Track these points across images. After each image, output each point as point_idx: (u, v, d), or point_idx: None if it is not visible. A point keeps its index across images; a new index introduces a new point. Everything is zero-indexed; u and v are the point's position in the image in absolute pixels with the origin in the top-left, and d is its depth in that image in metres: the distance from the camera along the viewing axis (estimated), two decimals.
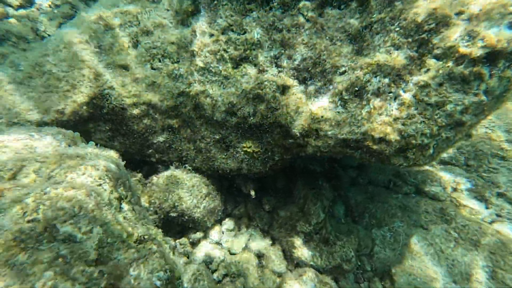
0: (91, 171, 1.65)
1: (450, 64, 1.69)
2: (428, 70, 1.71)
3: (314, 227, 2.94)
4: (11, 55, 2.40)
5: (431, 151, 1.77)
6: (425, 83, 1.71)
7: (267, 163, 2.98)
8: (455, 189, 3.16)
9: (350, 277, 2.83)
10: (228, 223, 3.60)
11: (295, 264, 2.99)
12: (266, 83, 2.55)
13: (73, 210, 1.28)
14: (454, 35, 1.62)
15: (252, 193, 3.32)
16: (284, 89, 2.50)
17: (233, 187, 3.82)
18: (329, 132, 2.19)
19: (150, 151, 3.26)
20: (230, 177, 3.68)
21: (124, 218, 1.63)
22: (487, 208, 2.97)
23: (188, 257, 3.14)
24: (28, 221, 1.24)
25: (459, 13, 1.76)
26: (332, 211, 3.47)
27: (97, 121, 2.90)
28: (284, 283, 2.67)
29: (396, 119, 1.80)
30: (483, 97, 1.64)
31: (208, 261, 3.03)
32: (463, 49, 1.59)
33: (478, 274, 2.38)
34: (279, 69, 2.52)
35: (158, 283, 1.24)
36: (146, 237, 1.58)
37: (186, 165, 3.29)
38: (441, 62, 1.73)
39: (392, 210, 3.06)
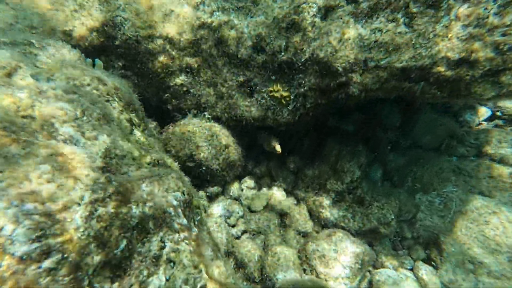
0: (98, 84, 1.35)
1: None
2: None
3: (348, 186, 2.58)
4: None
5: None
6: None
7: (297, 111, 2.59)
8: None
9: (387, 243, 2.49)
10: (249, 182, 3.33)
11: (322, 225, 2.69)
12: (304, 5, 2.08)
13: (75, 113, 0.99)
14: None
15: (278, 147, 2.96)
16: (327, 11, 2.04)
17: (254, 145, 3.50)
18: (383, 61, 1.74)
19: (166, 95, 2.96)
20: (252, 132, 3.35)
21: (136, 141, 1.35)
22: None
23: (205, 211, 2.92)
24: (23, 117, 0.97)
25: None
26: (368, 175, 3.07)
27: (109, 55, 2.60)
28: (310, 242, 2.38)
29: (492, 28, 1.32)
30: None
31: (226, 216, 2.79)
32: None
33: None
34: None
35: (175, 202, 0.95)
36: (161, 162, 1.29)
37: (205, 113, 2.97)
38: None
39: (444, 174, 2.61)
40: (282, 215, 2.88)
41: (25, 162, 0.84)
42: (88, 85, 1.33)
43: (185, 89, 2.89)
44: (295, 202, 3.02)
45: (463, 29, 1.40)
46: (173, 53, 2.69)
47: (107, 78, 1.52)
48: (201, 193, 3.01)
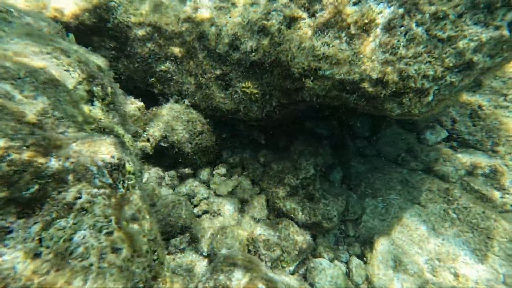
0: (60, 54, 1.59)
1: None
2: None
3: (301, 182, 2.82)
4: None
5: (430, 98, 1.50)
6: (443, 14, 1.40)
7: (264, 108, 2.82)
8: (470, 173, 2.82)
9: (331, 237, 2.73)
10: (221, 169, 3.58)
11: (275, 214, 2.94)
12: (273, 13, 2.30)
13: (17, 73, 1.24)
14: None
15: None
16: (291, 21, 2.25)
17: (234, 137, 3.76)
18: (327, 72, 1.96)
19: (152, 79, 3.22)
20: (233, 124, 3.61)
21: (89, 110, 1.60)
22: (502, 197, 2.62)
23: (174, 190, 3.20)
24: None
25: None
26: (328, 175, 3.30)
27: (101, 36, 2.86)
28: (258, 226, 2.64)
29: (400, 58, 1.53)
30: (505, 32, 1.31)
31: (191, 195, 3.06)
32: None
33: (467, 256, 2.16)
34: None
35: (100, 163, 1.19)
36: (107, 130, 1.54)
37: (186, 100, 3.23)
38: None
39: (392, 183, 2.83)
40: (243, 201, 3.14)
41: None
42: (48, 53, 1.57)
43: (169, 75, 3.15)
44: (258, 191, 3.28)
45: (382, 54, 1.61)
46: (160, 41, 2.94)
47: (74, 53, 1.74)
48: (173, 172, 3.29)
